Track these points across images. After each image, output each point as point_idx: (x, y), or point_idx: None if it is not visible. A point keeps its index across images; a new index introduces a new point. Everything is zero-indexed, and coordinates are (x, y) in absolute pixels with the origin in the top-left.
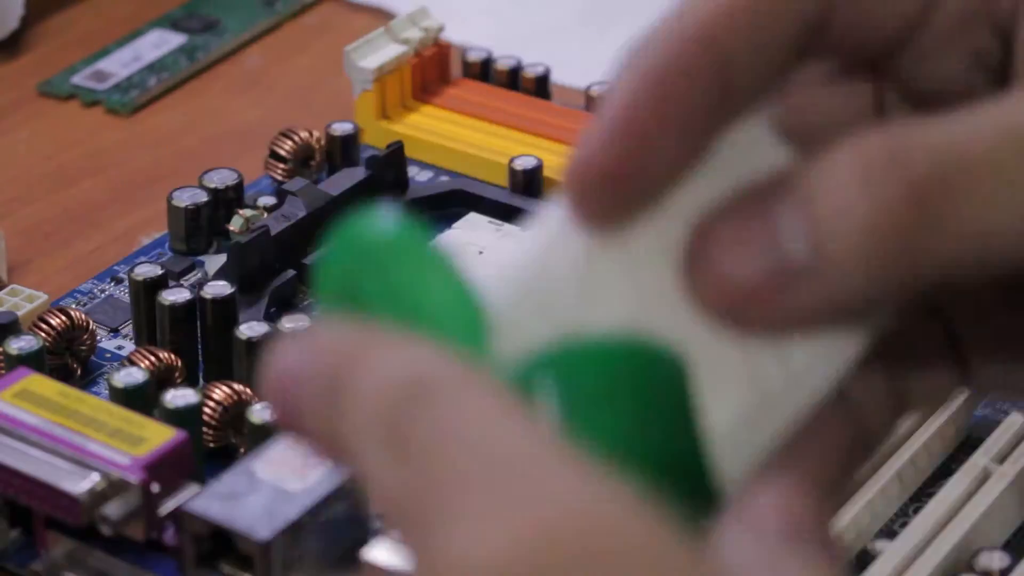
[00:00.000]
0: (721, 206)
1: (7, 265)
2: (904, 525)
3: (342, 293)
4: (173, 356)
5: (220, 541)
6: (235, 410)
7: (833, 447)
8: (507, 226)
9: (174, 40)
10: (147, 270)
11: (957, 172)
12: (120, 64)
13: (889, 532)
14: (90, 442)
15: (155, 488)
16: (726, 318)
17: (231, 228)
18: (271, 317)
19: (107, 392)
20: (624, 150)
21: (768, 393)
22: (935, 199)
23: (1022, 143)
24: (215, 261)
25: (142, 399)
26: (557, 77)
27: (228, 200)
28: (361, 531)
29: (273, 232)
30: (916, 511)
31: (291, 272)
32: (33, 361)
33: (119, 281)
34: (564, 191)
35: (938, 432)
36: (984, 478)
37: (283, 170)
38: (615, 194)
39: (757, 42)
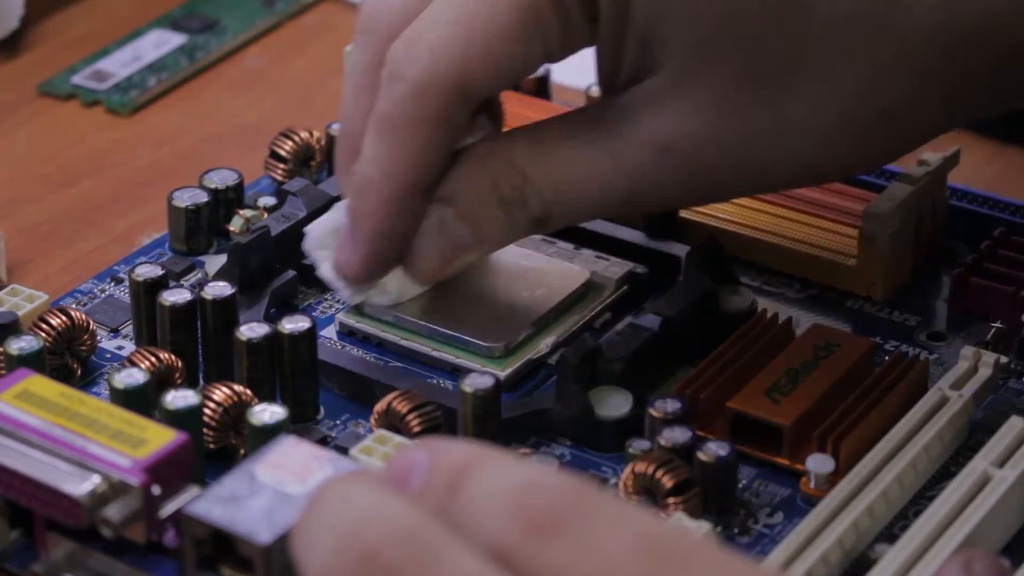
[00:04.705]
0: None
1: (7, 265)
2: (904, 529)
3: None
4: (173, 357)
5: (221, 544)
6: (235, 411)
7: None
8: None
9: (174, 40)
10: (147, 270)
11: (563, 207)
12: (120, 64)
13: (889, 536)
14: (91, 444)
15: (156, 490)
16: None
17: (231, 228)
18: (271, 318)
19: (107, 392)
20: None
21: None
22: (549, 223)
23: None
24: (215, 261)
25: (142, 400)
26: (557, 77)
27: (228, 200)
28: None
29: (273, 232)
30: (916, 514)
31: (291, 272)
32: (33, 361)
33: (119, 281)
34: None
35: (938, 435)
36: (984, 481)
37: (283, 170)
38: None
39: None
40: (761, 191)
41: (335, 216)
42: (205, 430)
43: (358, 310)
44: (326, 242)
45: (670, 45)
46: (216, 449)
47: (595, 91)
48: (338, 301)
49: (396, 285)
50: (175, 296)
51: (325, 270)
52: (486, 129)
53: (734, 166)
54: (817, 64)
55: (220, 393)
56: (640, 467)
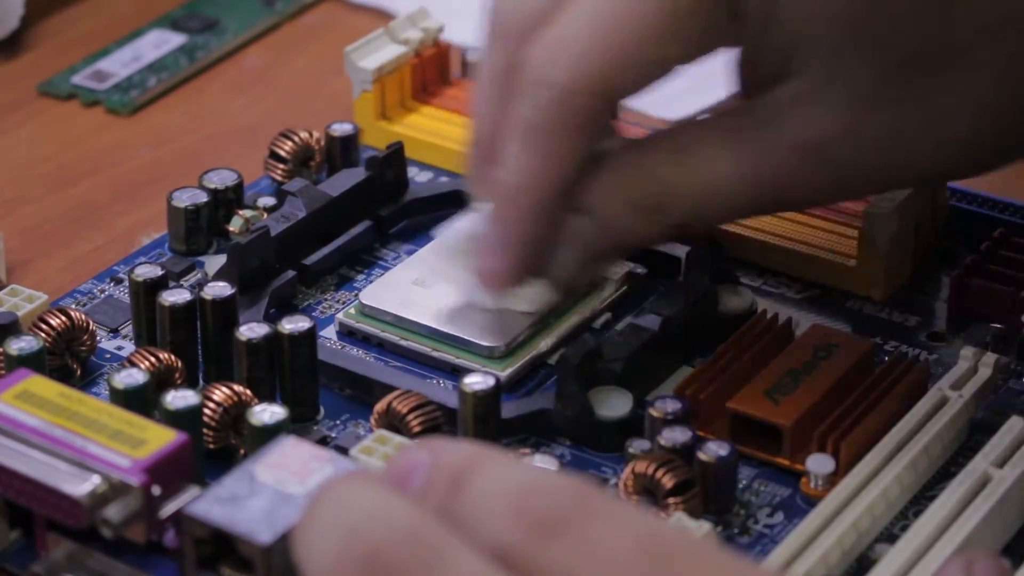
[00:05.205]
0: None
1: (7, 265)
2: (904, 529)
3: None
4: (173, 357)
5: (221, 544)
6: (235, 411)
7: None
8: None
9: (174, 40)
10: (147, 270)
11: (704, 213)
12: (120, 64)
13: (889, 536)
14: (91, 444)
15: (156, 490)
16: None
17: (231, 228)
18: (271, 318)
19: (107, 393)
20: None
21: None
22: (689, 228)
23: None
24: (215, 262)
25: (142, 400)
26: None
27: (228, 200)
28: None
29: (273, 233)
30: (916, 515)
31: (291, 273)
32: (33, 361)
33: (119, 281)
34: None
35: (938, 435)
36: (984, 482)
37: (283, 170)
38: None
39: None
40: (906, 186)
41: (469, 221)
42: (205, 430)
43: (360, 310)
44: (461, 248)
45: (816, 44)
46: (216, 449)
47: None
48: (338, 301)
49: (533, 292)
50: (175, 296)
51: (460, 276)
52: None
53: (882, 163)
54: (962, 56)
55: (220, 393)
56: (640, 467)
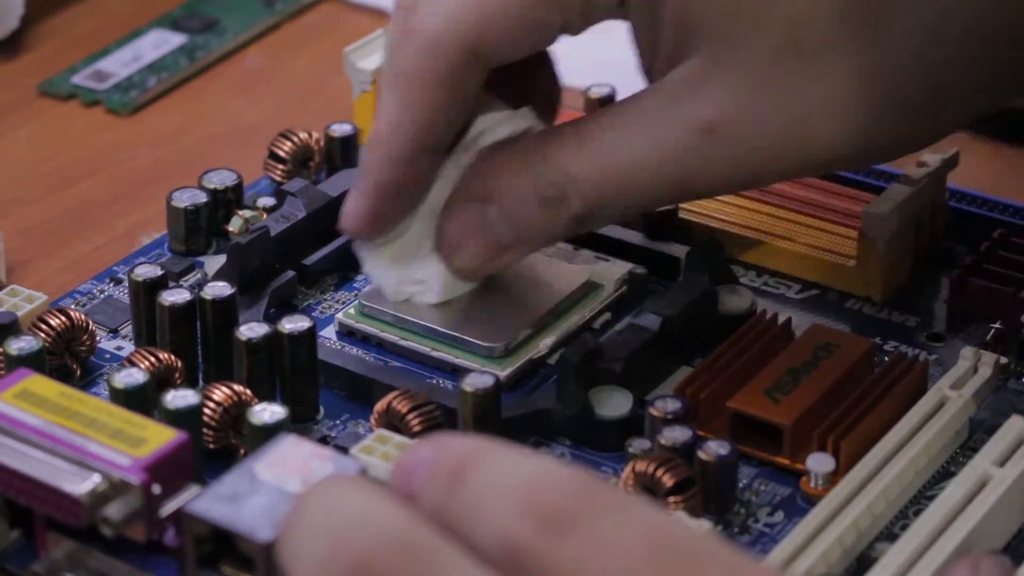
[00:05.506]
0: (450, 201)
1: (7, 265)
2: (904, 528)
3: None
4: (173, 357)
5: (221, 542)
6: (235, 411)
7: None
8: None
9: (174, 40)
10: (147, 270)
11: (605, 201)
12: (120, 64)
13: (889, 535)
14: (91, 443)
15: (156, 489)
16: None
17: (230, 229)
18: (271, 318)
19: (107, 393)
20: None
21: None
22: (591, 220)
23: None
24: (214, 262)
25: (142, 400)
26: None
27: (227, 201)
28: None
29: (273, 233)
30: (916, 514)
31: (291, 273)
32: (33, 361)
33: (118, 282)
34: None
35: (938, 435)
36: (985, 481)
37: (282, 171)
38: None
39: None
40: (809, 173)
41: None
42: (205, 430)
43: (360, 310)
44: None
45: (706, 24)
46: (216, 449)
47: (595, 92)
48: (338, 301)
49: (440, 283)
50: (174, 296)
51: (368, 266)
52: (529, 120)
53: (778, 146)
54: (860, 32)
55: (220, 393)
56: (640, 466)
